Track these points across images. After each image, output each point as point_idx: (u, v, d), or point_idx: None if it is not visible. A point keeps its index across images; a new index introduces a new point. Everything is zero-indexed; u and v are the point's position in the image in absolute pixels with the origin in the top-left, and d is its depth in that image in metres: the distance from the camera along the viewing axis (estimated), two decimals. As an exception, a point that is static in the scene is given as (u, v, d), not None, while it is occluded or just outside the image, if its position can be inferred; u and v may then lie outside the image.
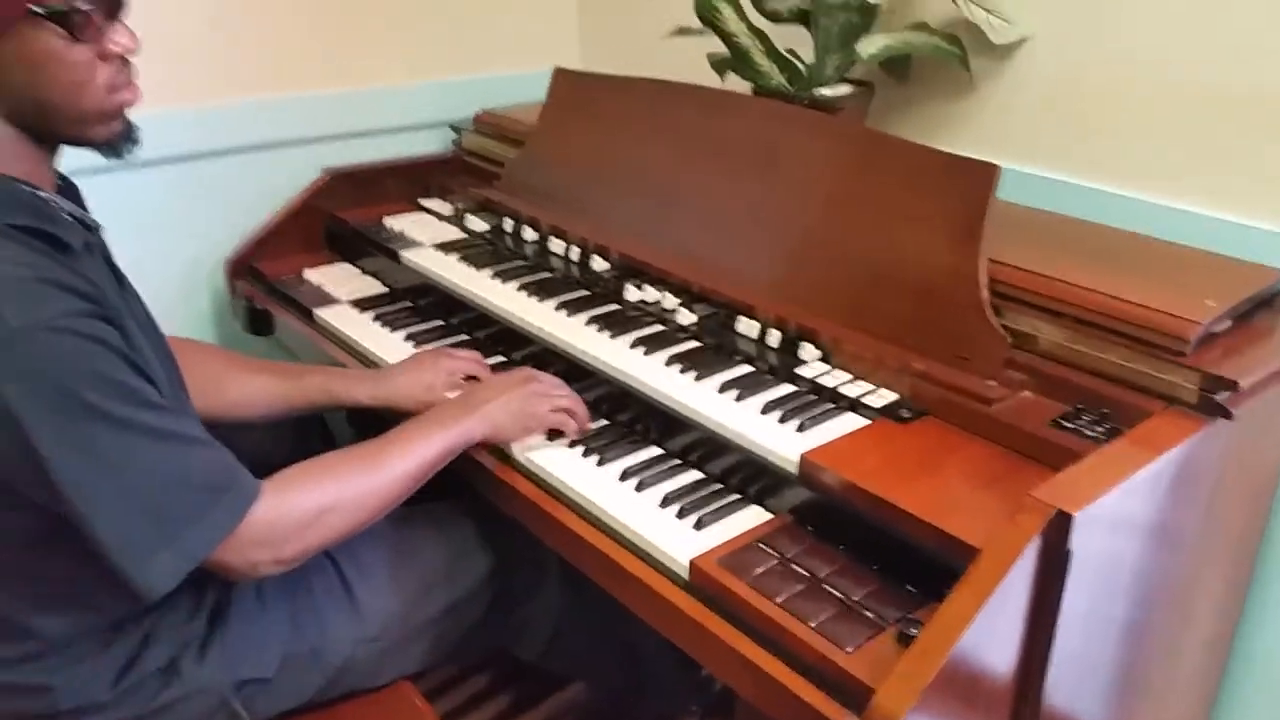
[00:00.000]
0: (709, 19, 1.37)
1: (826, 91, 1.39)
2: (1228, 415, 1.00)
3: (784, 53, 1.38)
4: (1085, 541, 0.88)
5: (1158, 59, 1.28)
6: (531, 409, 1.18)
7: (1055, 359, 1.11)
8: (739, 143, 1.39)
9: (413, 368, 1.29)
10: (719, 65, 1.51)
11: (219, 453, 0.98)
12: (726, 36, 1.38)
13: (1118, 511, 0.93)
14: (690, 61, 1.59)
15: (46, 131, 0.97)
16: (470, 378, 1.31)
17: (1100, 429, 1.04)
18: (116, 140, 1.01)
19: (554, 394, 1.21)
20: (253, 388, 1.30)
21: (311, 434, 1.44)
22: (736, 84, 1.51)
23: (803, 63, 1.42)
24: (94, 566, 0.94)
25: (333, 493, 1.04)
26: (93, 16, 0.93)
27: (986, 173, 1.13)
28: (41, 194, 0.97)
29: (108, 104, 0.98)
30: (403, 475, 1.08)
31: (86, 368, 0.88)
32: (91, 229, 1.04)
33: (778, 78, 1.38)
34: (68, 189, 1.06)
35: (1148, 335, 1.05)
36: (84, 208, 1.06)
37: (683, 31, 1.50)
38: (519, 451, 1.20)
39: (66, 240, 0.96)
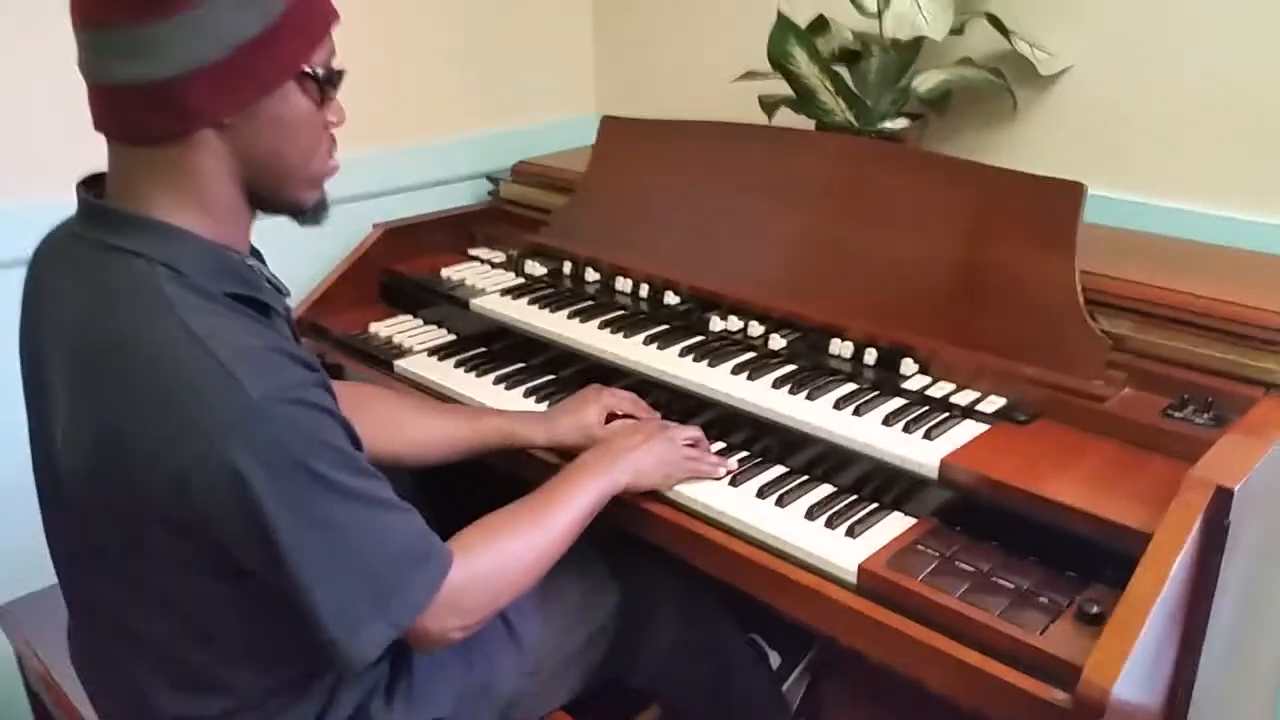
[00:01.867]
0: (781, 64, 1.46)
1: (889, 125, 1.49)
2: (1327, 393, 1.11)
3: (853, 90, 1.47)
4: (1237, 515, 0.97)
5: (1194, 80, 1.41)
6: (671, 456, 1.22)
7: (1151, 356, 1.21)
8: (814, 176, 1.47)
9: (575, 409, 1.33)
10: (771, 105, 1.60)
11: (416, 519, 0.99)
12: (795, 78, 1.47)
13: (1254, 488, 1.02)
14: (709, 101, 1.67)
15: (270, 194, 0.99)
16: (626, 415, 1.34)
17: (1208, 416, 1.14)
18: (318, 207, 1.05)
19: (684, 442, 1.25)
20: (434, 429, 1.31)
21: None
22: (784, 121, 1.60)
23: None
24: (292, 633, 0.95)
25: (514, 555, 1.06)
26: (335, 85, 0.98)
27: (1075, 190, 1.23)
28: (248, 261, 1.00)
29: (327, 170, 1.02)
30: (566, 531, 1.11)
31: (317, 438, 0.90)
32: (283, 293, 1.06)
33: (845, 114, 1.47)
34: (256, 254, 1.07)
35: (1240, 329, 1.16)
36: (272, 272, 1.08)
37: (749, 76, 1.58)
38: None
39: (270, 305, 0.99)
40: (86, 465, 0.93)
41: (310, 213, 1.04)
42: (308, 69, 0.94)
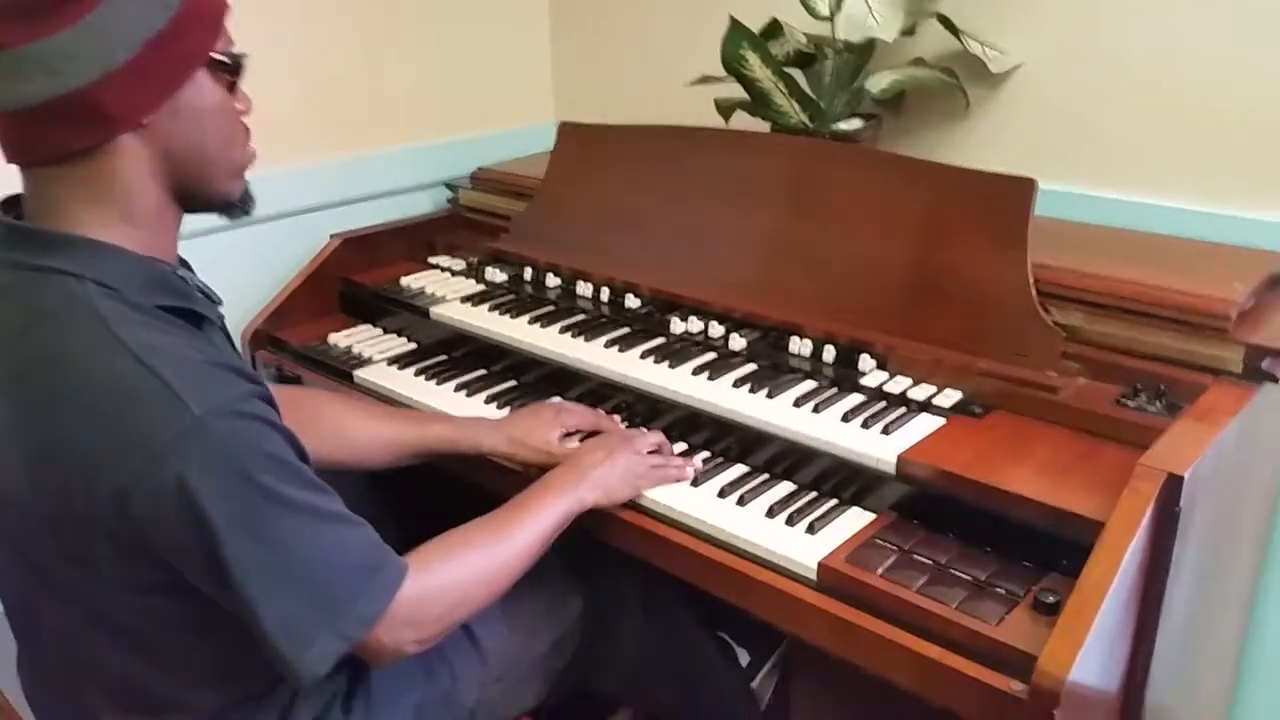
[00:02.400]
0: (735, 68, 1.47)
1: (844, 126, 1.50)
2: (1274, 379, 1.12)
3: (807, 92, 1.48)
4: (1188, 501, 0.98)
5: (1140, 76, 1.43)
6: (637, 469, 1.21)
7: (1105, 346, 1.22)
8: (770, 177, 1.47)
9: (530, 420, 1.31)
10: (727, 108, 1.60)
11: (368, 531, 0.97)
12: (749, 82, 1.48)
13: (1204, 473, 1.03)
14: (668, 106, 1.67)
15: (196, 190, 0.97)
16: (583, 434, 1.32)
17: (1160, 404, 1.15)
18: (244, 199, 1.03)
19: (648, 450, 1.24)
20: (378, 434, 1.30)
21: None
22: (741, 124, 1.61)
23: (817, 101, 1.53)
24: (244, 648, 0.94)
25: (473, 570, 1.05)
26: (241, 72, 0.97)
27: (1026, 186, 1.24)
28: (179, 272, 0.99)
29: (246, 157, 1.01)
30: (528, 548, 1.10)
31: (262, 451, 0.89)
32: (215, 302, 1.05)
33: (799, 116, 1.48)
34: (183, 264, 1.06)
35: (1191, 317, 1.17)
36: (202, 282, 1.06)
37: (705, 80, 1.59)
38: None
39: (204, 314, 0.97)
40: (26, 485, 0.91)
41: (238, 205, 1.03)
42: (216, 55, 0.94)
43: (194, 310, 0.96)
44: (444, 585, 1.02)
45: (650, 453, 1.25)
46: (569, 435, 1.31)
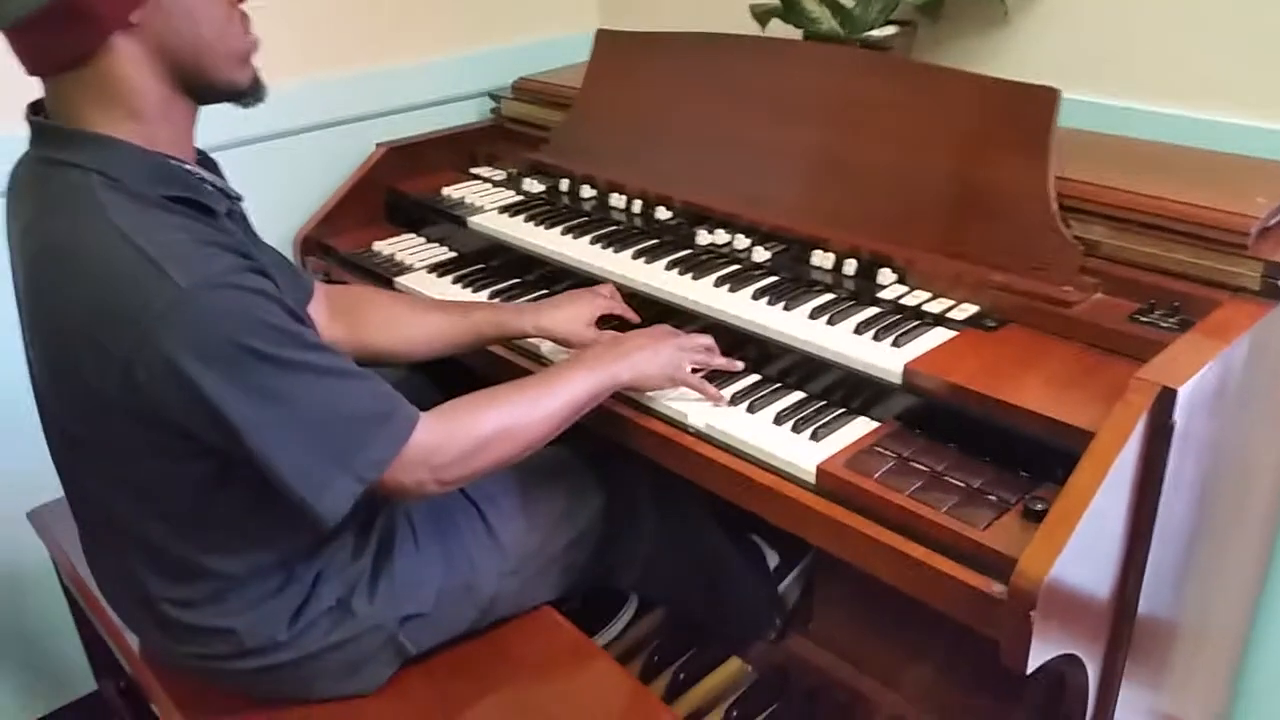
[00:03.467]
0: (765, -30, 1.46)
1: (875, 33, 1.48)
2: (1291, 297, 1.11)
3: (838, -1, 1.47)
4: (1183, 415, 0.98)
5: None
6: (677, 361, 1.24)
7: (1123, 261, 1.21)
8: (798, 87, 1.47)
9: (568, 303, 1.36)
10: (762, 15, 1.59)
11: (377, 383, 1.03)
12: (780, -14, 1.47)
13: (1206, 388, 1.03)
14: (710, 15, 1.65)
15: (199, 81, 1.02)
16: (613, 317, 1.37)
17: (1173, 320, 1.15)
18: (255, 86, 1.07)
19: (694, 351, 1.27)
20: (429, 325, 1.37)
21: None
22: (776, 32, 1.60)
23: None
24: (264, 506, 1.02)
25: (493, 422, 1.10)
26: None
27: (1049, 96, 1.22)
28: (187, 167, 1.04)
29: (246, 45, 1.05)
30: (556, 412, 1.14)
31: (252, 317, 0.94)
32: (232, 198, 1.10)
33: (830, 23, 1.46)
34: (206, 163, 1.12)
35: (1210, 233, 1.16)
36: (224, 180, 1.12)
37: (734, -16, 1.58)
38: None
39: (213, 207, 1.03)
40: (48, 368, 1.00)
41: (248, 93, 1.07)
42: None
43: (200, 201, 1.01)
44: (465, 434, 1.08)
45: (702, 352, 1.27)
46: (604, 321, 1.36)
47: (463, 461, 1.08)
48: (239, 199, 1.12)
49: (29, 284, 1.00)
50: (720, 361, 1.28)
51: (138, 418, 0.96)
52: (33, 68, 0.98)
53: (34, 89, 1.02)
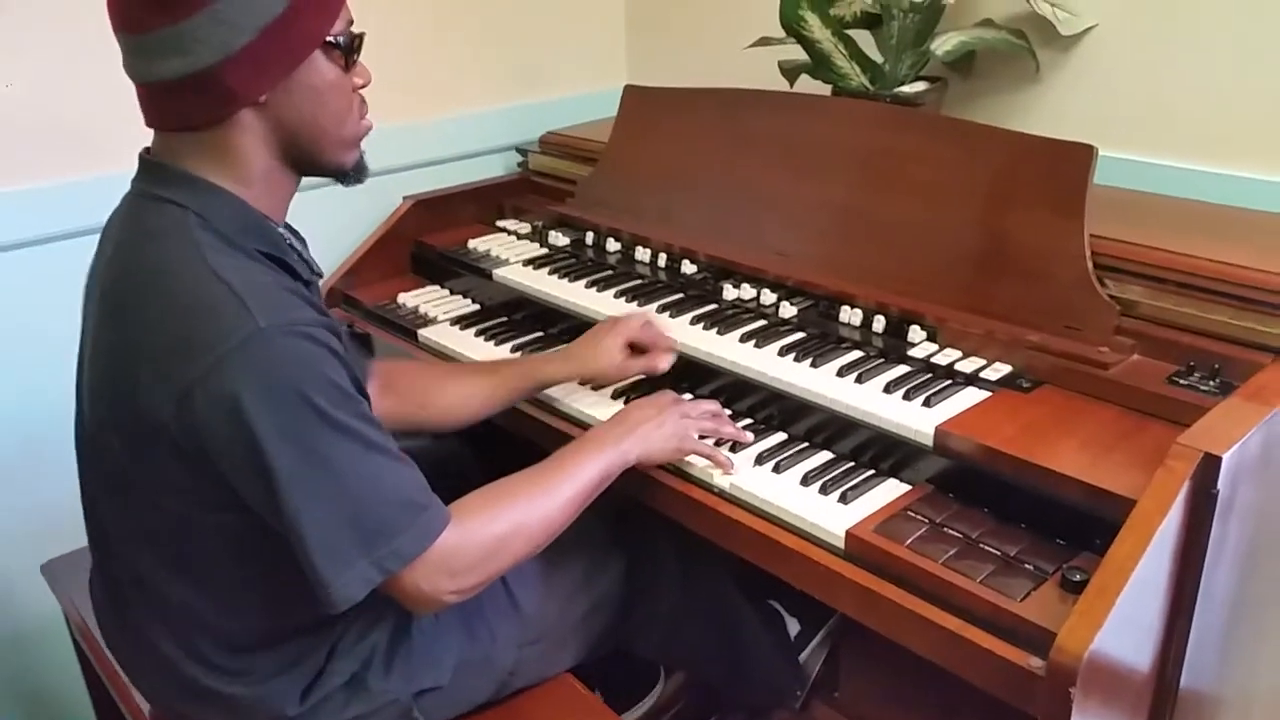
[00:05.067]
0: (794, 28, 1.45)
1: (906, 89, 1.47)
2: (1337, 360, 1.08)
3: (868, 54, 1.46)
4: (1227, 483, 0.95)
5: (1216, 39, 1.36)
6: (683, 431, 1.21)
7: (1160, 322, 1.19)
8: (826, 142, 1.46)
9: (593, 340, 1.35)
10: (791, 71, 1.59)
11: (417, 473, 1.01)
12: (809, 43, 1.46)
13: (1249, 454, 1.00)
14: (739, 71, 1.66)
15: (308, 161, 1.05)
16: (636, 347, 1.36)
17: (1213, 383, 1.11)
18: (358, 168, 1.10)
19: (701, 419, 1.24)
20: (462, 392, 1.35)
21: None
22: (804, 88, 1.59)
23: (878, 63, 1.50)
24: (282, 574, 0.99)
25: (512, 522, 1.07)
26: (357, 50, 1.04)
27: (1085, 153, 1.20)
28: (280, 230, 1.07)
29: (361, 130, 1.08)
30: (570, 500, 1.11)
31: (319, 371, 0.94)
32: (315, 272, 1.12)
33: (859, 79, 1.46)
34: (295, 235, 1.13)
35: (1249, 293, 1.13)
36: (309, 254, 1.14)
37: (763, 42, 1.58)
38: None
39: (297, 270, 1.05)
40: (102, 382, 1.00)
41: (352, 173, 1.10)
42: (330, 38, 1.00)
43: (286, 261, 1.03)
44: (485, 535, 1.04)
45: (708, 419, 1.25)
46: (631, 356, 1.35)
47: (482, 564, 1.04)
48: (319, 275, 1.14)
49: (105, 300, 1.01)
50: (730, 431, 1.25)
51: (180, 451, 0.95)
52: (156, 122, 1.02)
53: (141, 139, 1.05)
